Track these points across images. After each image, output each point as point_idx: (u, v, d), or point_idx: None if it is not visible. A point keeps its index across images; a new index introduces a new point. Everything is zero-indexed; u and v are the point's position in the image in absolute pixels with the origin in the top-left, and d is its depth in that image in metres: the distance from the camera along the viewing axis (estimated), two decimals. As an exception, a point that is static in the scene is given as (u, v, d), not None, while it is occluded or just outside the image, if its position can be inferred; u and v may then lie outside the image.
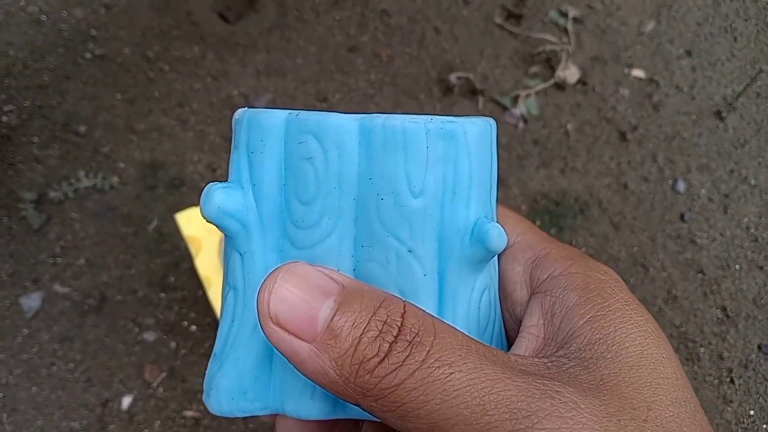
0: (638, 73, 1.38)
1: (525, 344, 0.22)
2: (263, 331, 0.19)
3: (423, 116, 0.21)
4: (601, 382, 0.19)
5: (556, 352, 0.21)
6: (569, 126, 1.31)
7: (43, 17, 1.33)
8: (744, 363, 1.12)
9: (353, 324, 0.18)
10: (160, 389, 1.03)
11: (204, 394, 0.23)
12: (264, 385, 0.22)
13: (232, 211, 0.21)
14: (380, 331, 0.18)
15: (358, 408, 0.21)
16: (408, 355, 0.18)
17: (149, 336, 1.06)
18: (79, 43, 1.30)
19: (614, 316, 0.21)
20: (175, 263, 1.11)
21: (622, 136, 1.31)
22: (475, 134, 0.22)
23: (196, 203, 1.13)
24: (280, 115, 0.21)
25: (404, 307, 0.19)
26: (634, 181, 1.27)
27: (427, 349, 0.18)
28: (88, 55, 1.29)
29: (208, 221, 0.21)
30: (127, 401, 1.02)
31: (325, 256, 0.21)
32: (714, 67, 1.41)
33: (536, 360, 0.21)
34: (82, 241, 1.12)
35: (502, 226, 0.22)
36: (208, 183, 0.22)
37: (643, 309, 0.22)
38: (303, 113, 0.21)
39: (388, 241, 0.21)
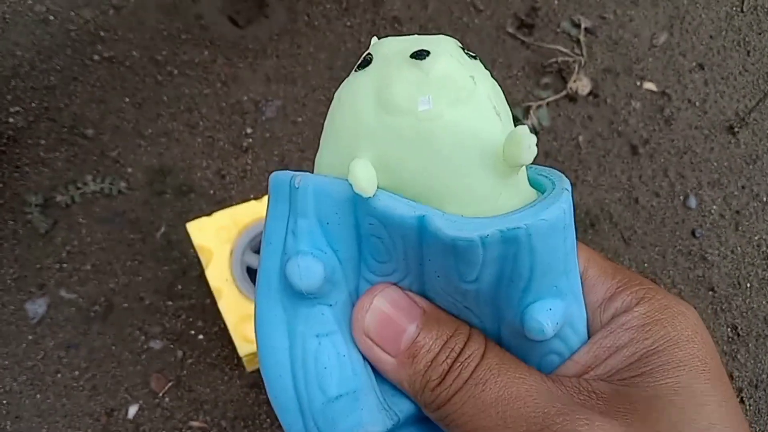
0: (650, 86, 1.38)
1: (566, 368, 0.24)
2: (355, 339, 0.23)
3: (480, 224, 0.20)
4: (628, 407, 0.20)
5: (593, 378, 0.23)
6: (580, 138, 1.30)
7: (51, 17, 1.31)
8: (754, 383, 1.11)
9: (428, 349, 0.22)
10: (166, 399, 1.02)
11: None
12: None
13: (329, 279, 0.22)
14: (446, 357, 0.22)
15: None
16: (457, 376, 0.21)
17: (156, 344, 1.05)
18: (87, 44, 1.29)
19: (658, 358, 0.22)
20: (182, 271, 1.10)
21: (634, 150, 1.30)
22: (542, 230, 0.20)
23: (205, 210, 1.12)
24: (348, 189, 0.21)
25: (469, 335, 0.22)
26: (645, 196, 1.26)
27: (471, 371, 0.21)
28: (96, 57, 1.28)
29: (302, 291, 0.22)
30: (132, 410, 1.01)
31: None
32: (726, 81, 1.40)
33: (573, 381, 0.22)
34: (88, 247, 1.11)
35: (560, 310, 0.22)
36: (288, 259, 0.22)
37: (696, 347, 0.22)
38: (372, 200, 0.21)
39: (447, 298, 0.23)
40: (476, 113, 0.21)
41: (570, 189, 0.22)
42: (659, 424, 0.20)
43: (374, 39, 0.24)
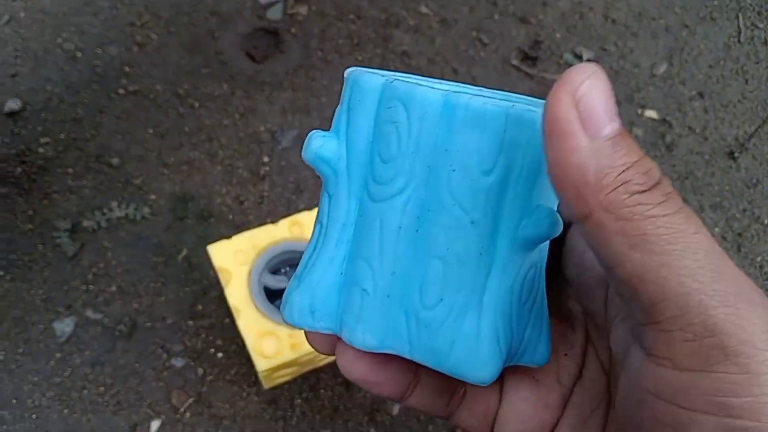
0: (651, 113, 1.43)
1: None
2: (553, 101, 0.19)
3: (508, 100, 0.22)
4: None
5: None
6: (584, 164, 1.35)
7: (79, 54, 1.39)
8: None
9: (628, 151, 0.19)
10: (187, 414, 1.06)
11: (281, 305, 0.26)
12: (330, 310, 0.25)
13: (327, 158, 0.24)
14: (646, 172, 0.19)
15: (404, 347, 0.23)
16: (665, 201, 0.19)
17: (177, 362, 1.10)
18: (113, 79, 1.36)
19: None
20: (203, 292, 1.15)
21: (636, 175, 1.35)
22: None
23: (225, 234, 1.17)
24: (379, 79, 0.23)
25: (661, 172, 0.20)
26: (647, 219, 1.30)
27: (679, 205, 0.19)
28: (121, 91, 1.35)
29: (306, 163, 0.25)
30: (155, 426, 1.05)
31: (392, 212, 0.23)
32: (726, 108, 1.45)
33: None
34: (114, 269, 1.16)
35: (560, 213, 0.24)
36: (309, 132, 0.26)
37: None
38: (397, 81, 0.23)
39: (453, 209, 0.22)
40: None
41: None
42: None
43: None
